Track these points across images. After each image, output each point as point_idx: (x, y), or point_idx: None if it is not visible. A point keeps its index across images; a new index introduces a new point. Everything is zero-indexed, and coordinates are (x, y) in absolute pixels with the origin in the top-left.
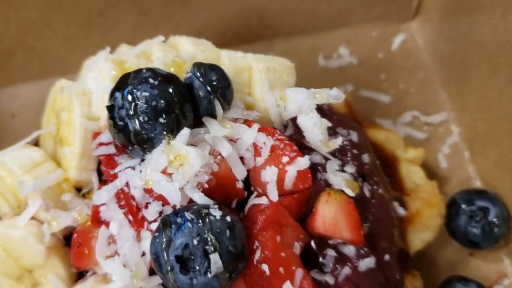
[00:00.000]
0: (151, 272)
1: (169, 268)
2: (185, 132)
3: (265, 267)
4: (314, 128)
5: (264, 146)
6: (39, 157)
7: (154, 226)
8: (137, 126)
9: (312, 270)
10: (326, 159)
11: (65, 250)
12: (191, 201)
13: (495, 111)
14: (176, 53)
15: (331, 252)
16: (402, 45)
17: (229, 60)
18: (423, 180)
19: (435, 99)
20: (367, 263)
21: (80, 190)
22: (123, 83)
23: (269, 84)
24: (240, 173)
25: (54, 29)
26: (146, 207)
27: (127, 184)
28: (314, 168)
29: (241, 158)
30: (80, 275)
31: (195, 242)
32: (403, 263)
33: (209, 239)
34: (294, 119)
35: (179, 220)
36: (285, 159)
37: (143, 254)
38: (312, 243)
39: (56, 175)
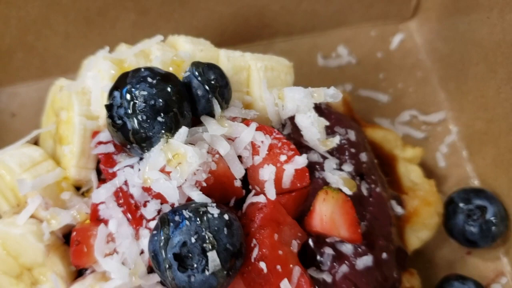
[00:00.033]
0: (150, 270)
1: (167, 266)
2: (183, 130)
3: (262, 265)
4: (312, 127)
5: (262, 145)
6: (38, 156)
7: (152, 224)
8: (136, 124)
9: (309, 268)
10: (324, 157)
11: (64, 248)
12: (189, 199)
13: (492, 110)
14: (175, 52)
15: (328, 250)
16: (401, 45)
17: (228, 59)
18: (421, 179)
19: (433, 98)
20: (365, 261)
21: (79, 189)
22: (122, 82)
23: (267, 83)
24: (238, 171)
25: (53, 28)
26: (145, 205)
27: (125, 183)
28: (312, 167)
29: (239, 157)
30: (79, 273)
31: (193, 240)
32: (400, 261)
33: (207, 237)
34: (292, 118)
35: (177, 218)
36: (283, 157)
37: (142, 252)
38: (310, 241)
39: (56, 173)
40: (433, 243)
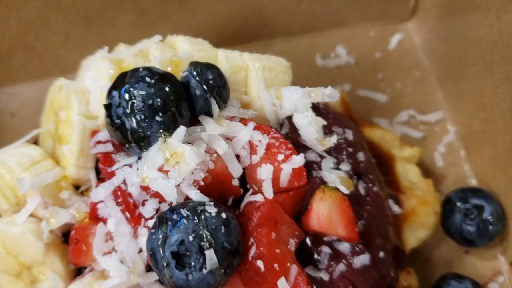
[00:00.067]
0: (148, 269)
1: (165, 264)
2: (181, 130)
3: (260, 263)
4: (309, 127)
5: (259, 144)
6: (37, 155)
7: (151, 223)
8: (134, 124)
9: (307, 266)
10: (322, 157)
11: (64, 247)
12: (187, 198)
13: (490, 110)
14: (173, 52)
15: (326, 249)
16: (399, 45)
17: (226, 59)
18: (419, 178)
19: (431, 98)
20: (362, 260)
21: (78, 188)
22: (120, 82)
23: (265, 83)
24: (236, 170)
25: (53, 29)
26: (143, 204)
27: (124, 182)
28: (309, 166)
29: (237, 156)
30: (79, 272)
31: (190, 238)
32: (398, 260)
33: (204, 235)
34: (290, 118)
35: (175, 216)
36: (280, 157)
37: (140, 250)
38: (307, 240)
39: (55, 172)
40: (431, 242)
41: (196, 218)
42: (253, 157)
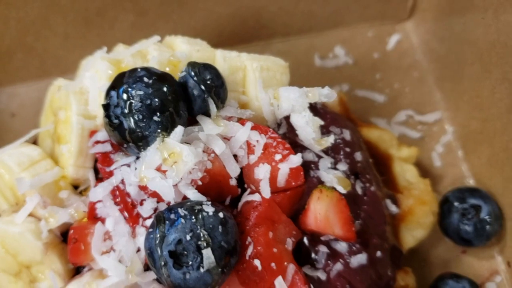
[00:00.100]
0: (146, 268)
1: (162, 263)
2: (179, 130)
3: (257, 262)
4: (306, 127)
5: (257, 144)
6: (37, 155)
7: (149, 222)
8: (132, 124)
9: (304, 266)
10: (319, 157)
11: (62, 246)
12: (185, 197)
13: (487, 110)
14: (172, 52)
15: (323, 248)
16: (397, 45)
17: (224, 60)
18: (416, 178)
19: (429, 98)
20: (359, 259)
21: (77, 188)
22: (119, 82)
23: (263, 83)
24: (233, 170)
25: (53, 29)
26: (141, 204)
27: (122, 181)
28: (307, 166)
29: (235, 156)
30: (77, 271)
31: (188, 237)
32: (395, 260)
33: (201, 234)
34: (287, 118)
35: (172, 216)
36: (277, 156)
37: (138, 250)
38: (305, 239)
39: (54, 172)
40: (428, 242)
41: (193, 217)
42: (250, 157)
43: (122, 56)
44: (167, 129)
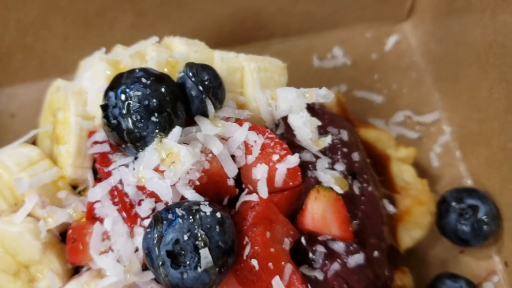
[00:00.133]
0: (144, 267)
1: (160, 263)
2: (177, 130)
3: (254, 262)
4: (304, 127)
5: (254, 144)
6: (35, 155)
7: (147, 222)
8: (130, 124)
9: (302, 265)
10: (317, 157)
11: (61, 246)
12: (183, 198)
13: (485, 110)
14: (170, 53)
15: (320, 248)
16: (395, 46)
17: (222, 60)
18: (414, 179)
19: (427, 99)
20: (356, 259)
21: (75, 188)
22: (117, 82)
23: (260, 83)
24: (231, 170)
25: (52, 30)
26: (139, 204)
27: (121, 182)
28: (304, 166)
29: (233, 156)
30: (76, 271)
31: (185, 237)
32: (393, 259)
33: (199, 234)
34: (285, 118)
35: (170, 216)
36: (275, 157)
37: (136, 249)
38: (302, 239)
39: (52, 172)
40: (426, 242)
41: (191, 217)
42: (248, 157)
43: (120, 57)
44: (165, 129)
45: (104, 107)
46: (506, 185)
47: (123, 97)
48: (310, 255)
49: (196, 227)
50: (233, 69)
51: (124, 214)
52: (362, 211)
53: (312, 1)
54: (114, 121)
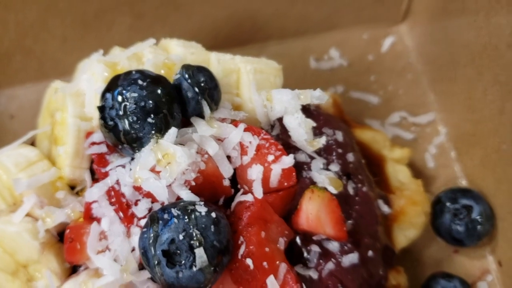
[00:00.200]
0: (141, 267)
1: (156, 262)
2: (173, 131)
3: (249, 261)
4: (299, 128)
5: (250, 145)
6: (34, 156)
7: (143, 222)
8: (127, 125)
9: (296, 265)
10: (312, 158)
11: (59, 245)
12: (179, 198)
13: (480, 111)
14: (167, 55)
15: (315, 248)
16: (391, 48)
17: (218, 62)
18: (408, 179)
19: (423, 100)
20: (351, 258)
21: (73, 188)
22: (114, 84)
23: (256, 85)
24: (226, 171)
25: (51, 32)
26: (136, 204)
27: (117, 182)
28: (299, 167)
29: (228, 157)
30: (74, 270)
31: (181, 237)
32: (387, 259)
33: (194, 234)
34: (280, 119)
35: (166, 216)
36: (270, 157)
37: (133, 249)
38: (297, 239)
39: (50, 173)
40: (421, 242)
41: (186, 217)
42: (243, 158)
43: (118, 59)
44: (161, 130)
45: (101, 109)
46: (500, 185)
47: (119, 98)
48: (305, 254)
49: (191, 227)
50: (229, 70)
51: (121, 214)
52: (356, 211)
53: (309, 3)
54: (111, 122)
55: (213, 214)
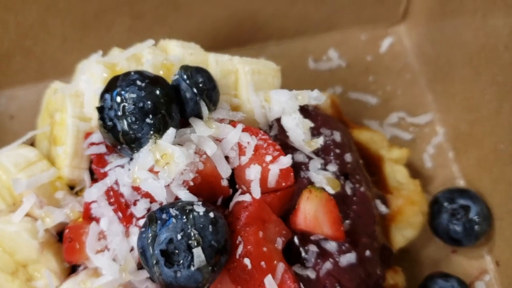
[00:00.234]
0: (140, 266)
1: (154, 261)
2: (171, 132)
3: (247, 261)
4: (297, 128)
5: (248, 146)
6: (33, 156)
7: (142, 222)
8: (125, 126)
9: (294, 265)
10: (309, 158)
11: (58, 245)
12: (177, 198)
13: (477, 112)
14: (165, 56)
15: (313, 248)
16: (390, 48)
17: (216, 63)
18: (407, 179)
19: (421, 100)
20: (348, 258)
21: (73, 188)
22: (112, 85)
23: (254, 86)
24: (225, 171)
25: (51, 32)
26: (135, 204)
27: (116, 182)
28: (297, 167)
29: (226, 157)
30: (73, 269)
31: (179, 237)
32: (385, 259)
33: (192, 234)
34: (278, 120)
35: (164, 216)
36: (268, 158)
37: (132, 249)
38: (295, 239)
39: (50, 173)
40: (419, 242)
41: (184, 217)
42: (241, 158)
43: (117, 60)
44: (160, 131)
45: (100, 109)
46: (496, 185)
47: (118, 99)
48: (303, 254)
49: (189, 226)
50: (228, 71)
51: (119, 214)
52: (354, 211)
53: (308, 3)
54: (109, 123)
55: (211, 214)
